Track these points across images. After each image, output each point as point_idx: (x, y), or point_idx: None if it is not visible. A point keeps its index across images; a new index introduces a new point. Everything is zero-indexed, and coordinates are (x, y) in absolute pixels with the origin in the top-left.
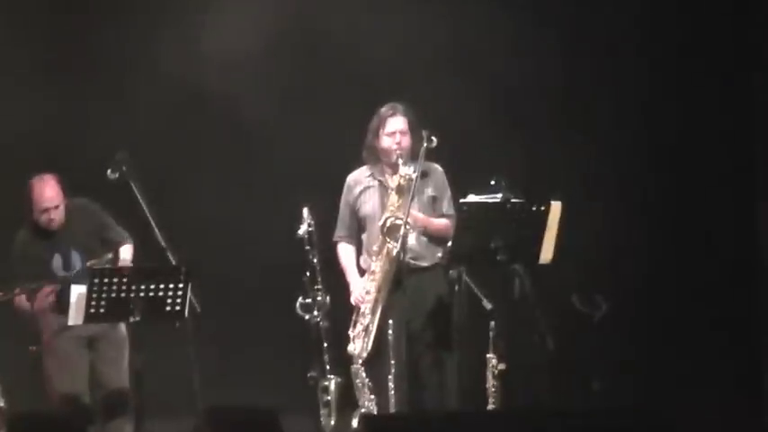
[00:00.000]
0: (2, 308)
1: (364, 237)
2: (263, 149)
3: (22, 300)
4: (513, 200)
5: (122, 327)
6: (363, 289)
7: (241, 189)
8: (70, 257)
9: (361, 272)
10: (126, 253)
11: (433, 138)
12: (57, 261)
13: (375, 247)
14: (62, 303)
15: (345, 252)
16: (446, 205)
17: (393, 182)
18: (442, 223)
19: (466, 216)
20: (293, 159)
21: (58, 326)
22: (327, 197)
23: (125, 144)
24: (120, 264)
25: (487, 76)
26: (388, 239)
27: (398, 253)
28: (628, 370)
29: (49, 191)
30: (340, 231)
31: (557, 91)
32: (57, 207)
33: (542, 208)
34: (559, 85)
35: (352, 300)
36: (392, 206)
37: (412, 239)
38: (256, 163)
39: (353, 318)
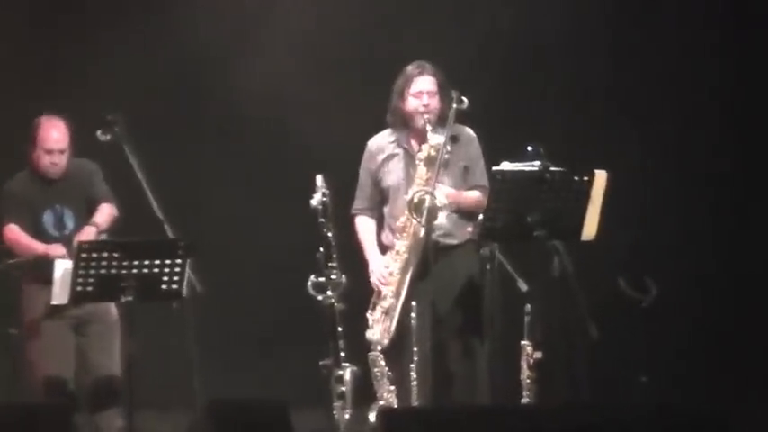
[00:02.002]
0: None
1: (386, 210)
2: (273, 112)
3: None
4: (552, 168)
5: (114, 307)
6: (386, 268)
7: (247, 155)
8: (63, 216)
9: (382, 248)
10: (102, 214)
11: (464, 99)
12: (48, 217)
13: (399, 223)
14: (48, 274)
15: (365, 226)
16: (479, 175)
17: (422, 152)
18: (474, 197)
19: (499, 187)
20: (306, 122)
21: (42, 305)
22: (345, 164)
23: (119, 106)
24: (90, 225)
25: (523, 36)
26: (415, 216)
27: (426, 233)
28: (679, 362)
29: (56, 132)
30: (359, 203)
31: (604, 52)
32: (62, 152)
33: (585, 178)
34: (607, 47)
35: (372, 279)
36: (420, 179)
37: (442, 218)
38: (264, 126)
39: (372, 299)
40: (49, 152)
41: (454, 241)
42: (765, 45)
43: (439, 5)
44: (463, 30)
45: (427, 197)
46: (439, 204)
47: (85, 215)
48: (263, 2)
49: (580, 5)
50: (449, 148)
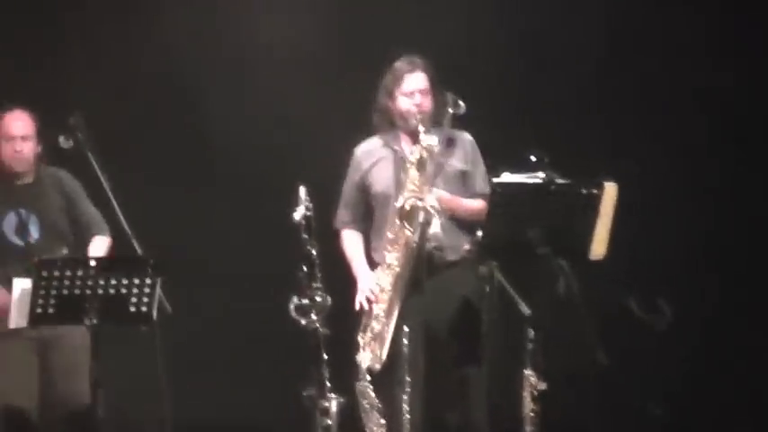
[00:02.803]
0: None
1: (375, 220)
2: (252, 119)
3: None
4: (557, 180)
5: (81, 329)
6: (376, 285)
7: (224, 165)
8: (28, 223)
9: (372, 265)
10: (98, 248)
11: (461, 102)
12: (9, 221)
13: (390, 235)
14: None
15: (351, 240)
16: (480, 181)
17: (413, 154)
18: (475, 205)
19: (499, 199)
20: (287, 129)
21: None
22: (330, 174)
23: (84, 107)
24: None
25: (525, 33)
26: (407, 225)
27: (418, 243)
28: (696, 393)
29: (19, 120)
30: (344, 215)
31: (614, 52)
32: (25, 139)
33: (594, 191)
34: (609, 47)
35: (360, 298)
36: (411, 184)
37: (436, 226)
38: (243, 134)
39: (363, 320)
40: (12, 139)
41: (451, 256)
42: None
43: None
44: (457, 24)
45: (420, 203)
46: (431, 210)
47: (56, 230)
48: (241, 8)
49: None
50: (442, 149)
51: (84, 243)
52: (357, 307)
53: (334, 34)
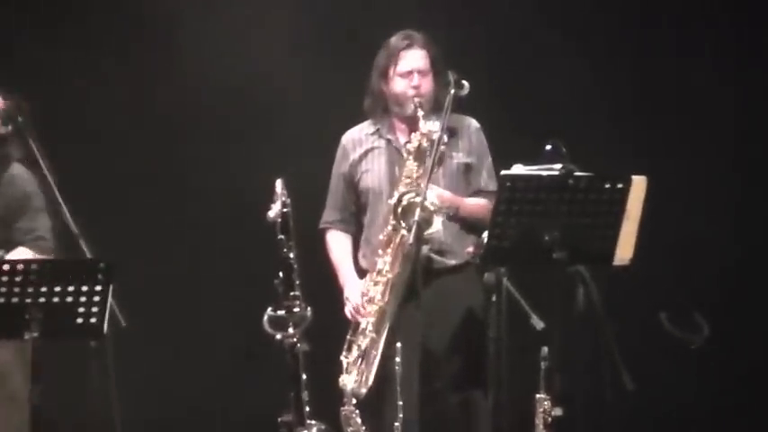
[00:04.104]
0: None
1: (366, 220)
2: (222, 101)
3: None
4: (577, 173)
5: (13, 346)
6: (363, 295)
7: (186, 155)
8: None
9: (361, 272)
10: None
11: (465, 82)
12: None
13: (382, 236)
14: None
15: (338, 243)
16: (485, 176)
17: (411, 143)
18: (479, 203)
19: (509, 196)
20: (262, 113)
21: None
22: (312, 165)
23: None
24: None
25: (542, 11)
26: (403, 225)
27: (414, 245)
28: (737, 422)
29: None
30: (330, 214)
31: (642, 29)
32: None
33: (620, 185)
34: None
35: (347, 311)
36: (408, 177)
37: (436, 225)
38: (210, 118)
39: (348, 336)
40: None
41: (452, 261)
42: None
43: None
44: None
45: (417, 199)
46: (431, 207)
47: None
48: None
49: None
50: (445, 139)
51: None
52: (350, 317)
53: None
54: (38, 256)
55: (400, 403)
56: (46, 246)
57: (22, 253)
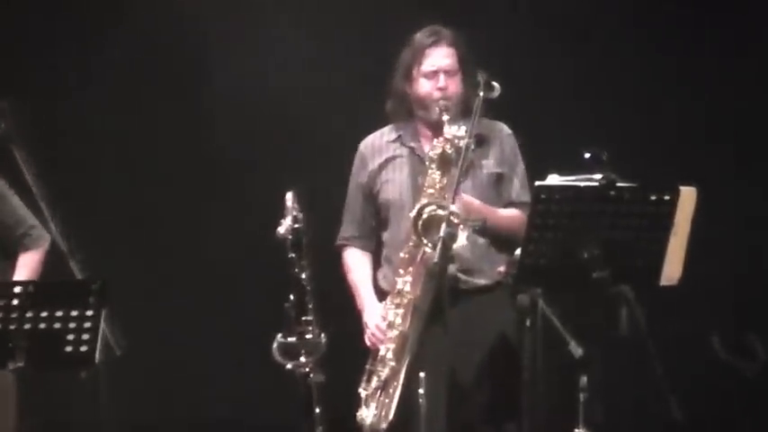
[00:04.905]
0: None
1: (386, 237)
2: (232, 102)
3: None
4: (619, 183)
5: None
6: (383, 320)
7: (188, 162)
8: None
9: (381, 294)
10: (25, 267)
11: (495, 84)
12: None
13: (403, 254)
14: None
15: (356, 262)
16: (518, 187)
17: (434, 150)
18: (511, 215)
19: (544, 209)
20: (274, 117)
21: None
22: (327, 175)
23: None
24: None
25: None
26: (425, 241)
27: (439, 263)
28: None
29: None
30: (347, 229)
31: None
32: None
33: (667, 197)
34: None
35: (367, 337)
36: (431, 188)
37: (462, 240)
38: (216, 122)
39: (367, 366)
40: None
41: (481, 281)
42: None
43: None
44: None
45: (441, 212)
46: (456, 221)
47: None
48: None
49: None
50: (473, 146)
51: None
52: (369, 344)
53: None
54: (42, 251)
55: None
56: (38, 234)
57: (28, 259)
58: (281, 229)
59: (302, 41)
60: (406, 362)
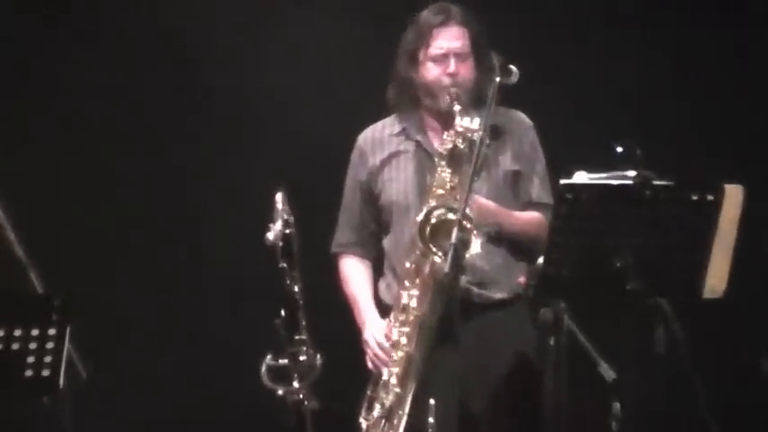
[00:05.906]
0: None
1: (388, 243)
2: (219, 96)
3: None
4: (656, 181)
5: None
6: (386, 339)
7: (165, 160)
8: None
9: (384, 308)
10: None
11: (513, 68)
12: None
13: (409, 263)
14: None
15: (354, 272)
16: (538, 186)
17: (445, 144)
18: (529, 218)
19: (570, 210)
20: (264, 108)
21: None
22: (320, 174)
23: None
24: None
25: None
26: (434, 249)
27: (450, 274)
28: None
29: None
30: (344, 235)
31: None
32: None
33: (710, 197)
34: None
35: (368, 358)
36: (441, 188)
37: (476, 247)
38: (199, 118)
39: (368, 392)
40: None
41: (497, 294)
42: None
43: None
44: None
45: (452, 216)
46: (468, 225)
47: None
48: None
49: None
50: (488, 140)
51: None
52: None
53: None
54: None
55: None
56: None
57: None
58: (270, 236)
59: (302, 41)
60: (413, 388)
